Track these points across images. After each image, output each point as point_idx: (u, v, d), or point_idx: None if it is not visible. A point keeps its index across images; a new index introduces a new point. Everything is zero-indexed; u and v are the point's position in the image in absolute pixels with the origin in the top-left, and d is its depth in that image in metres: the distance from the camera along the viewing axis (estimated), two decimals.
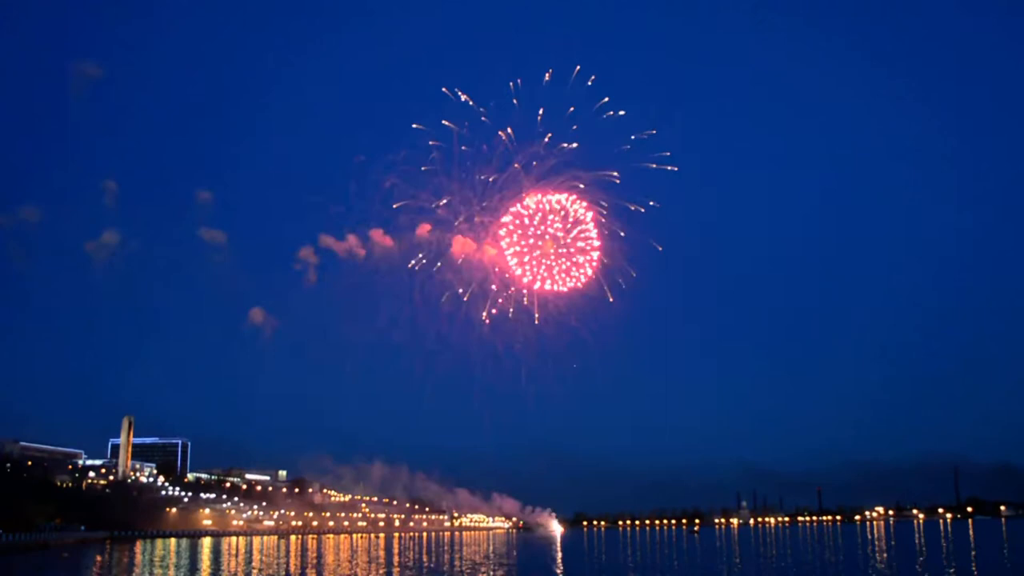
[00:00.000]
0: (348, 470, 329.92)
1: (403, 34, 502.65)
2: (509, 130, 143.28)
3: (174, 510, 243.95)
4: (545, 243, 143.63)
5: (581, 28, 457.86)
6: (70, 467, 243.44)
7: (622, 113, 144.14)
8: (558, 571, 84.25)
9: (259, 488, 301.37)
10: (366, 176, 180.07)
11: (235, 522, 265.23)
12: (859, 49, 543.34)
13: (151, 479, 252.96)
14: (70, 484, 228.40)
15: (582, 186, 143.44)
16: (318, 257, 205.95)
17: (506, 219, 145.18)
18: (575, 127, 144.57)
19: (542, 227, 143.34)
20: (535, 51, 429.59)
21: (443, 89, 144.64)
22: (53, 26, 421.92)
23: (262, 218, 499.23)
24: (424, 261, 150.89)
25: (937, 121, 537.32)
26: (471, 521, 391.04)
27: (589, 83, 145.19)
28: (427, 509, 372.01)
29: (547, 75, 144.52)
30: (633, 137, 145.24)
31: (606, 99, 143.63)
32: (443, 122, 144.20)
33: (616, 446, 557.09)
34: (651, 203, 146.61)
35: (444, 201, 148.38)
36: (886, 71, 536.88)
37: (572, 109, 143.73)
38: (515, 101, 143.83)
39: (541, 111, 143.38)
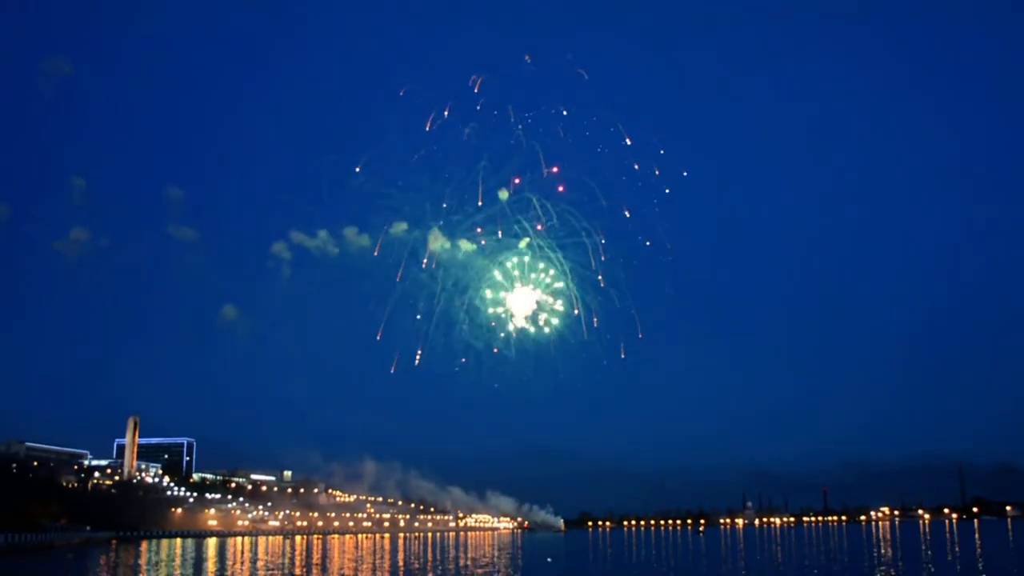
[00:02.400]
0: (339, 467, 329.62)
1: (375, 33, 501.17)
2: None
3: (179, 510, 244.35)
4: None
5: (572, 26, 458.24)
6: (75, 467, 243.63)
7: (628, 142, 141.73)
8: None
9: (264, 488, 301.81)
10: (337, 174, 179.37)
11: (240, 522, 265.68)
12: (860, 49, 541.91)
13: (156, 479, 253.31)
14: (75, 484, 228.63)
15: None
16: (292, 254, 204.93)
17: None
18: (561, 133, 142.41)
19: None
20: (510, 46, 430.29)
21: (397, 91, 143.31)
22: (23, 22, 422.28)
23: (233, 216, 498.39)
24: (402, 260, 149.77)
25: (944, 123, 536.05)
26: (476, 521, 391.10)
27: (584, 75, 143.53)
28: (432, 509, 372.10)
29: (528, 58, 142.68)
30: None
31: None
32: (412, 121, 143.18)
33: (621, 447, 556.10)
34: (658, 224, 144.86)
35: (416, 200, 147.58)
36: (887, 72, 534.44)
37: (565, 112, 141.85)
38: (479, 103, 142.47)
39: (511, 108, 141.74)
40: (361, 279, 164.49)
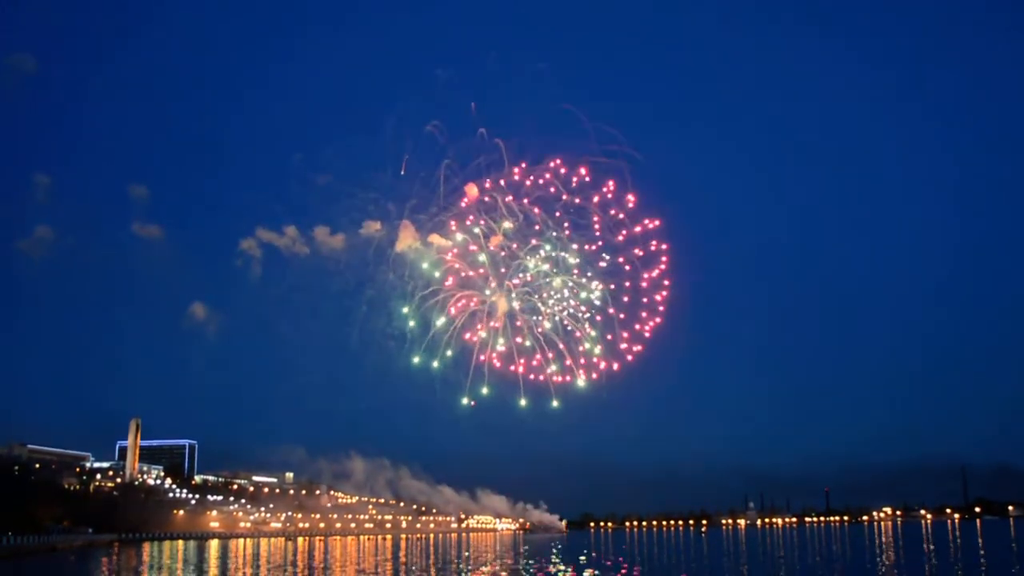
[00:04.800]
0: (326, 465, 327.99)
1: (340, 29, 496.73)
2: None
3: (181, 512, 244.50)
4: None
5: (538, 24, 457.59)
6: (77, 470, 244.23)
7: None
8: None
9: (266, 490, 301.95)
10: (304, 173, 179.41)
11: (242, 524, 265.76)
12: (852, 48, 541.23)
13: (158, 481, 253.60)
14: (77, 487, 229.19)
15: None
16: (261, 251, 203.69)
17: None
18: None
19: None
20: (480, 45, 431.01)
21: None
22: None
23: (200, 214, 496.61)
24: (374, 259, 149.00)
25: (949, 122, 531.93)
26: (478, 523, 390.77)
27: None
28: (434, 511, 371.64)
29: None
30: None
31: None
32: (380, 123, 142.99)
33: (623, 447, 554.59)
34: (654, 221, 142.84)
35: (383, 199, 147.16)
36: (882, 71, 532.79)
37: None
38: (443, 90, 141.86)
39: (473, 105, 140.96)
40: (333, 279, 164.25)
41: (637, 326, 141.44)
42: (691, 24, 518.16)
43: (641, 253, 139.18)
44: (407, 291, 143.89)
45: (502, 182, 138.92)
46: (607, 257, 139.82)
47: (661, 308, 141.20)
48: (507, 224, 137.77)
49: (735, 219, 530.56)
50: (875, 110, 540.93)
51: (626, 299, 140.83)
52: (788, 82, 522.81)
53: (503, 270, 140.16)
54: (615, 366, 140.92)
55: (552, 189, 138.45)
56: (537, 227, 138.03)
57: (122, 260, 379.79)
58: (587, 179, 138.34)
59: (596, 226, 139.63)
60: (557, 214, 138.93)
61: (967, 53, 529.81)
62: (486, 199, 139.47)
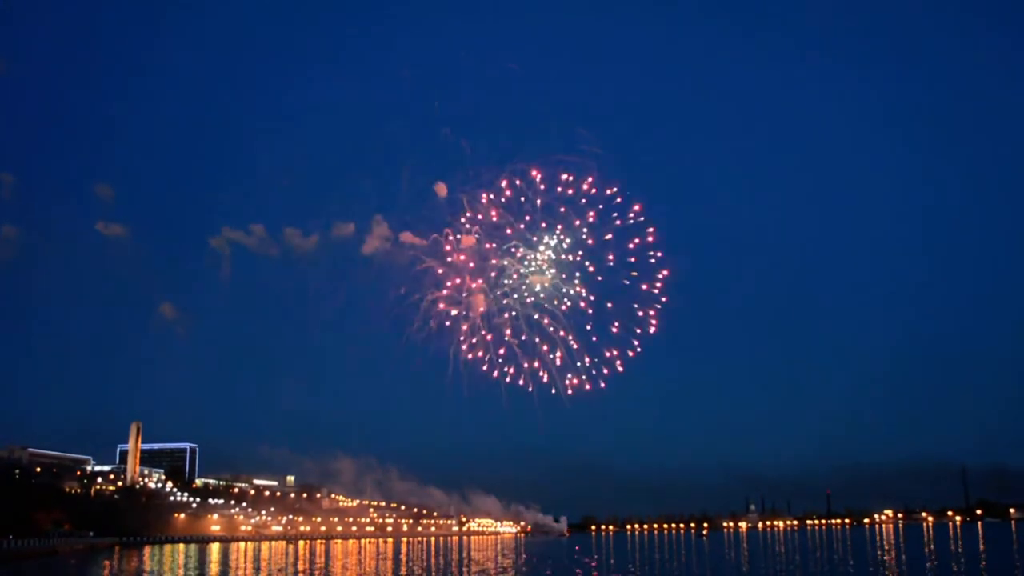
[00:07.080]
0: (312, 464, 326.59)
1: (307, 26, 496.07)
2: None
3: (183, 516, 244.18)
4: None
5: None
6: (79, 473, 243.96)
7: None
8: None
9: (267, 493, 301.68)
10: (274, 173, 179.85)
11: (243, 527, 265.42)
12: (829, 48, 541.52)
13: (159, 485, 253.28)
14: (79, 490, 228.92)
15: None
16: (230, 250, 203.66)
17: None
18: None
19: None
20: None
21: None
22: None
23: (166, 213, 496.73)
24: (346, 256, 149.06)
25: (920, 112, 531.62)
26: (479, 526, 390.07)
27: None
28: (435, 514, 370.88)
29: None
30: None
31: None
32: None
33: (624, 451, 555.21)
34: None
35: (353, 198, 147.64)
36: (850, 64, 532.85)
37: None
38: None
39: (437, 104, 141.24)
40: (305, 279, 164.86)
41: (635, 342, 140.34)
42: (672, 25, 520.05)
43: (635, 260, 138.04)
44: (385, 288, 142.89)
45: (469, 188, 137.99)
46: (592, 264, 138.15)
47: (655, 323, 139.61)
48: (476, 230, 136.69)
49: (728, 222, 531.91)
50: (853, 114, 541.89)
51: (609, 305, 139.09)
52: (770, 85, 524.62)
53: (473, 265, 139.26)
54: (601, 384, 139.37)
55: (525, 183, 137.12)
56: (510, 231, 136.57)
57: (89, 259, 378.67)
58: (563, 176, 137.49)
59: (576, 223, 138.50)
60: (530, 215, 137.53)
61: (941, 60, 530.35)
62: (454, 201, 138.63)
